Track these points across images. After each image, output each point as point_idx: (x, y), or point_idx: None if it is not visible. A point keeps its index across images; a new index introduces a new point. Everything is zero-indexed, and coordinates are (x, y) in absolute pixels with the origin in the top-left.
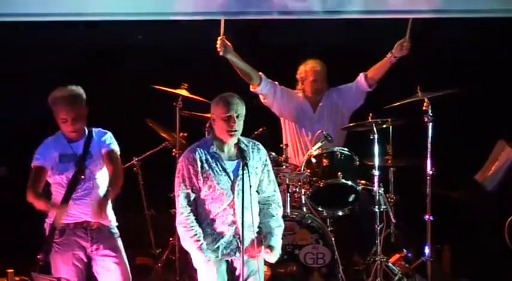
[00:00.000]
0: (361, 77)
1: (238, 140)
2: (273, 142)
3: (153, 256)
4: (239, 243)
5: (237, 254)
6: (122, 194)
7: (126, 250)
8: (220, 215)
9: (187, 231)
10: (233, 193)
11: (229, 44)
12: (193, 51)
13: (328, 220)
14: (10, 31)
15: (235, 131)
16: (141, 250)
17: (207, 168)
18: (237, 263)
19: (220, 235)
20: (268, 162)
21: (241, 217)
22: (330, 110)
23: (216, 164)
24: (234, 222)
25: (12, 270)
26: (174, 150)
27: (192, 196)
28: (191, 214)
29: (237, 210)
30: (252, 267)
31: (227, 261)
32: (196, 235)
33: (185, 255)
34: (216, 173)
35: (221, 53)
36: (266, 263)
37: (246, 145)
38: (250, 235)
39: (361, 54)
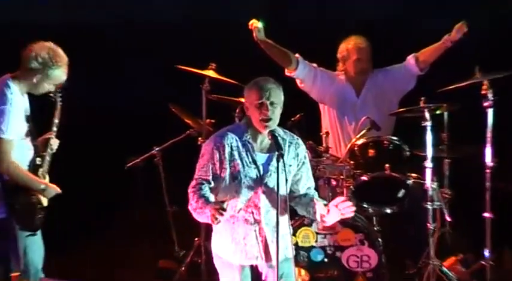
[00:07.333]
0: (411, 59)
1: (274, 129)
2: (311, 130)
3: (177, 258)
4: (261, 247)
5: (259, 259)
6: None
7: (147, 251)
8: (243, 212)
9: (194, 195)
10: (259, 189)
11: (261, 25)
12: (222, 28)
13: (374, 218)
14: None
15: (270, 119)
16: (164, 252)
17: (236, 156)
18: (262, 268)
19: (241, 237)
20: (307, 160)
21: (268, 217)
22: (376, 94)
23: (247, 155)
24: (257, 221)
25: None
26: (199, 138)
27: (212, 184)
28: (204, 184)
29: (262, 209)
30: (282, 270)
31: (251, 265)
32: (204, 195)
33: (212, 258)
34: (245, 163)
35: (256, 37)
36: (303, 267)
37: (283, 138)
38: (273, 237)
39: (409, 32)
